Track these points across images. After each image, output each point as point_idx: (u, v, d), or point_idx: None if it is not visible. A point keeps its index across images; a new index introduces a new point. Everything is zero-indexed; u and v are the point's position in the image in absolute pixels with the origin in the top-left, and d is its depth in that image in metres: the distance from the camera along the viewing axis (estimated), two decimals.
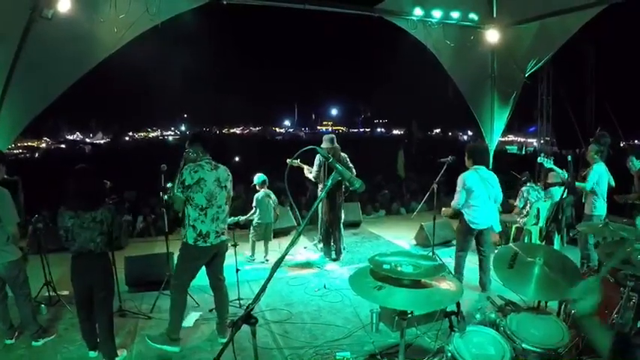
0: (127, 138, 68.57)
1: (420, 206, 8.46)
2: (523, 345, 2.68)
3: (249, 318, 2.07)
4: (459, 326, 2.66)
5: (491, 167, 9.64)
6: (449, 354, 2.64)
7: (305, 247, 8.09)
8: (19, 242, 4.54)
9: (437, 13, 7.94)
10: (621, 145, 10.12)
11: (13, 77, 5.89)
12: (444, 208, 6.34)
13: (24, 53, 5.83)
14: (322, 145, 7.01)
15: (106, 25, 6.21)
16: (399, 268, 2.58)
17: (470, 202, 5.76)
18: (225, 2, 6.83)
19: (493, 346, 2.69)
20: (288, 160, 7.31)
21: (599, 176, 6.28)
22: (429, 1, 7.91)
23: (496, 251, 3.63)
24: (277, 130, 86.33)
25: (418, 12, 7.84)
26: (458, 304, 2.74)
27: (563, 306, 3.99)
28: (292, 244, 2.19)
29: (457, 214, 6.01)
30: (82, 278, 4.11)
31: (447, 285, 2.64)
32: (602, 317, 3.63)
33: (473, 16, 8.23)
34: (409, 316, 2.68)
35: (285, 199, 10.14)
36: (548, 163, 6.90)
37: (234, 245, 5.58)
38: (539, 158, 7.17)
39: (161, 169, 5.34)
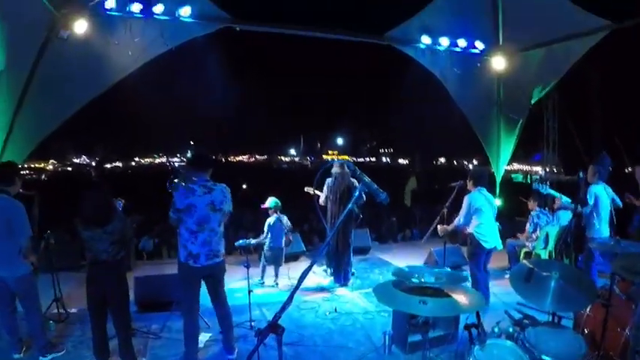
0: (133, 163, 69.05)
1: (429, 231, 8.42)
2: (542, 356, 2.68)
3: (276, 327, 2.09)
4: (479, 339, 2.67)
5: (497, 195, 9.71)
6: None
7: (314, 272, 8.03)
8: (31, 256, 4.51)
9: (444, 41, 8.11)
10: (626, 170, 10.10)
11: (28, 95, 6.03)
12: (440, 226, 6.32)
13: (39, 72, 5.99)
14: (332, 170, 7.08)
15: (120, 48, 6.38)
16: (423, 279, 2.64)
17: (480, 222, 5.75)
18: (238, 29, 6.99)
19: (513, 358, 2.69)
20: (306, 189, 7.44)
21: (596, 197, 6.11)
22: (436, 30, 8.07)
23: (509, 272, 3.64)
24: (283, 158, 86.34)
25: (426, 40, 8.01)
26: (478, 316, 2.76)
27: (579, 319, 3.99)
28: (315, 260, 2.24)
29: (453, 235, 5.94)
30: (96, 285, 4.16)
31: (467, 296, 2.69)
32: (615, 336, 3.62)
33: (479, 43, 8.39)
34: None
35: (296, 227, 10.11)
36: (545, 189, 6.89)
37: (247, 267, 5.58)
38: (534, 185, 7.17)
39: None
